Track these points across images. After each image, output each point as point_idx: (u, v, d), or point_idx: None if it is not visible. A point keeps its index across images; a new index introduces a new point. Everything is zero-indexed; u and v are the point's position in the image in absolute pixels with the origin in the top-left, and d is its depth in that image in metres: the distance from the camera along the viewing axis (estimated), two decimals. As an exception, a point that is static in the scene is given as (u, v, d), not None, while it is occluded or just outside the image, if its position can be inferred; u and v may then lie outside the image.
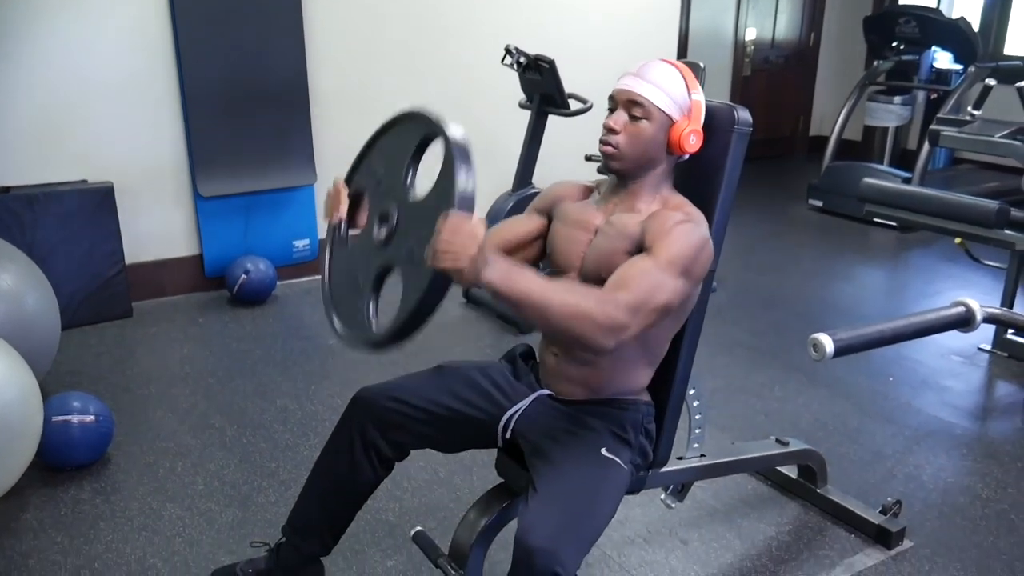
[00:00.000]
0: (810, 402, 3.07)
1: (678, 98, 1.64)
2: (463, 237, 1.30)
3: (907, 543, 2.26)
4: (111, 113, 3.60)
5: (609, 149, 1.65)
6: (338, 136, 4.13)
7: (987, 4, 6.56)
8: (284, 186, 3.97)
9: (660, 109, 1.62)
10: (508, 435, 1.73)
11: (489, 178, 4.53)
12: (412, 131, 1.50)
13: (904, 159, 6.61)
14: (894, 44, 5.51)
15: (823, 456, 2.38)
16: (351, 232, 1.63)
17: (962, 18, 5.17)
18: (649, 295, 1.49)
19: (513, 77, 3.72)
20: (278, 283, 3.94)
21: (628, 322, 1.46)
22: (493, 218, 3.65)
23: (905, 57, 5.70)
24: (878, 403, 3.07)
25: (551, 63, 3.45)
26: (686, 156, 1.69)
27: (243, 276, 3.75)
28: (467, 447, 1.86)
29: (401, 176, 1.49)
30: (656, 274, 1.52)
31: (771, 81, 7.28)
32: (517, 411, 1.74)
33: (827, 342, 1.05)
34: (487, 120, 4.55)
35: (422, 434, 1.79)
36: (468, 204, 1.32)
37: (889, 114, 6.48)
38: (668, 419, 1.83)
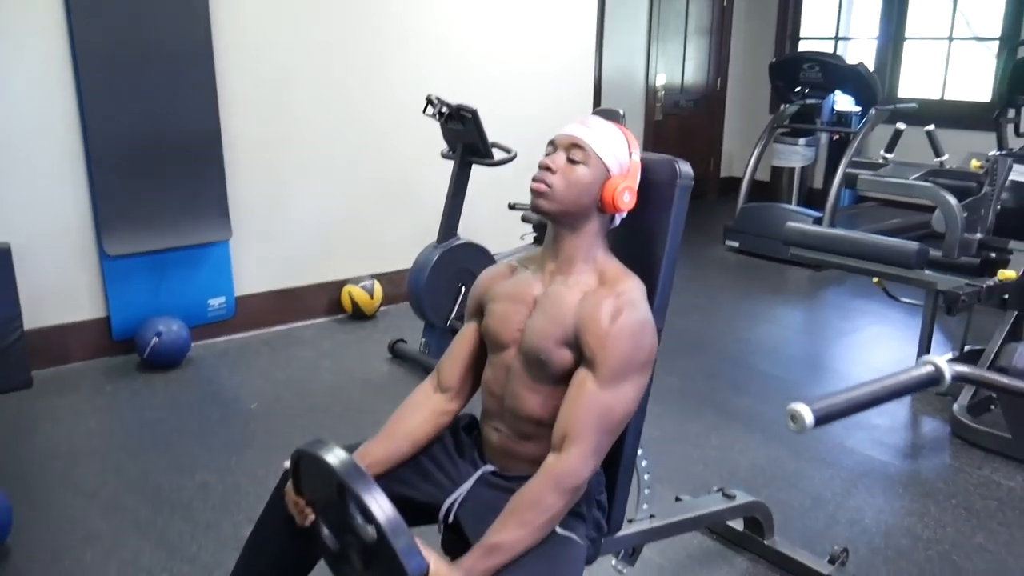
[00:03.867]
0: (747, 448, 3.06)
1: (619, 153, 1.60)
2: None
3: (856, 593, 2.24)
4: (6, 168, 3.37)
5: (541, 187, 1.58)
6: (254, 188, 3.99)
7: (880, 49, 6.90)
8: (197, 242, 3.79)
9: (600, 158, 1.57)
10: (451, 520, 1.63)
11: (413, 229, 4.50)
12: (324, 475, 1.34)
13: (811, 198, 6.84)
14: (798, 88, 5.70)
15: (768, 507, 2.35)
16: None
17: (861, 63, 5.40)
18: (603, 428, 1.50)
19: (433, 125, 3.66)
20: (192, 344, 3.74)
21: (589, 471, 1.51)
22: (419, 271, 3.56)
23: (809, 101, 5.91)
24: (812, 446, 3.08)
25: (473, 113, 3.41)
26: (617, 219, 1.65)
27: (154, 338, 3.53)
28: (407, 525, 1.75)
29: (347, 518, 1.32)
30: (603, 398, 1.49)
31: (682, 124, 7.45)
32: (459, 496, 1.64)
33: (806, 413, 1.00)
34: (408, 170, 4.49)
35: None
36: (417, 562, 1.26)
37: (795, 155, 6.71)
38: (620, 486, 1.76)
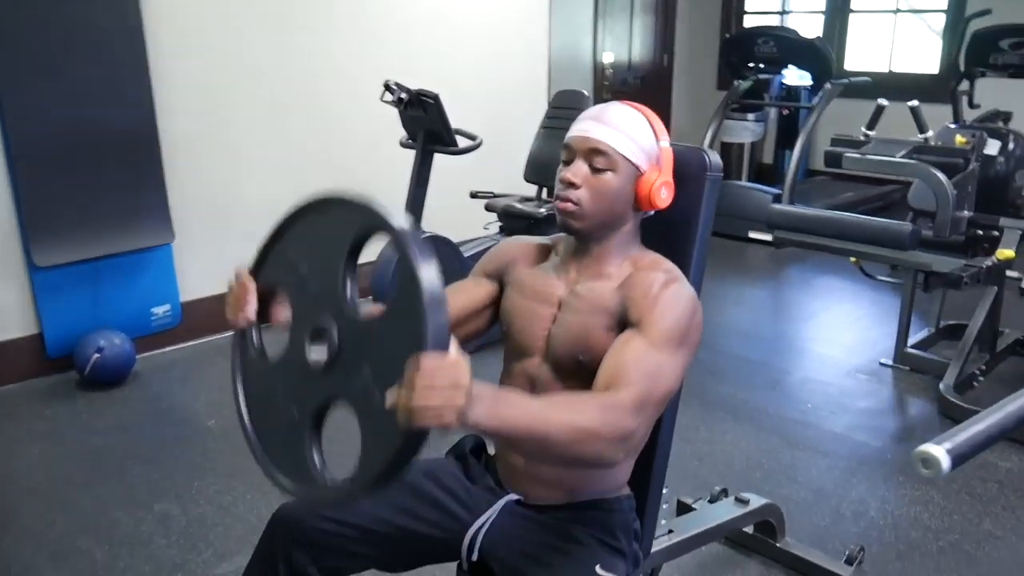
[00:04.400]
0: (738, 440, 2.94)
1: (646, 146, 1.40)
2: (445, 387, 0.97)
3: (877, 593, 2.14)
4: (-83, 176, 3.03)
5: (569, 206, 1.40)
6: (197, 187, 3.70)
7: (827, 24, 6.87)
8: (137, 247, 3.49)
9: (627, 159, 1.38)
10: (475, 556, 1.45)
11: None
12: (341, 223, 1.16)
13: (760, 173, 6.81)
14: (752, 64, 5.61)
15: (780, 508, 2.23)
16: (263, 336, 1.30)
17: (818, 37, 5.33)
18: (652, 385, 1.25)
19: (389, 113, 3.44)
20: (137, 358, 3.45)
21: (635, 426, 1.21)
22: (383, 268, 3.34)
23: (762, 76, 5.82)
24: (804, 434, 2.98)
25: (435, 98, 3.20)
26: (652, 212, 1.47)
27: (95, 354, 3.24)
28: (422, 564, 1.56)
29: (336, 283, 1.13)
30: (653, 357, 1.27)
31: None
32: (483, 525, 1.45)
33: (941, 457, 0.84)
34: (363, 160, 4.25)
35: (364, 555, 1.48)
36: (443, 339, 0.98)
37: (745, 131, 6.63)
38: (650, 510, 1.60)
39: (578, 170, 1.39)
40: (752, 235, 5.36)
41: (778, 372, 3.53)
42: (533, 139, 4.01)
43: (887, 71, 6.54)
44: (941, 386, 3.14)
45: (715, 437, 2.96)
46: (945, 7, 6.20)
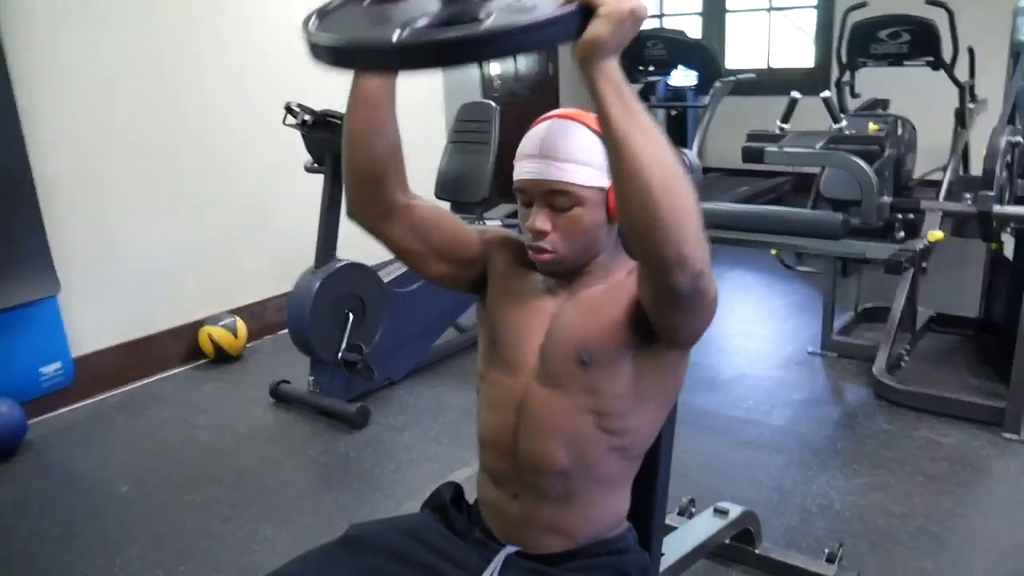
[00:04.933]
0: (686, 445, 2.83)
1: (603, 160, 1.22)
2: None
3: (863, 589, 2.10)
4: None
5: (546, 256, 1.27)
6: (83, 232, 3.37)
7: (705, 24, 7.03)
8: (17, 303, 3.14)
9: (589, 187, 1.24)
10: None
11: (273, 255, 4.02)
12: None
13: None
14: (642, 67, 5.65)
15: (756, 514, 2.17)
16: None
17: (703, 39, 5.43)
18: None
19: (287, 136, 3.23)
20: (29, 424, 3.09)
21: (707, 267, 1.05)
22: (299, 302, 3.12)
23: (651, 78, 5.89)
24: (752, 432, 2.95)
25: (342, 118, 3.00)
26: None
27: (-20, 425, 2.89)
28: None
29: None
30: None
31: (521, 113, 7.16)
32: (486, 586, 1.30)
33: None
34: (260, 188, 4.01)
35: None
36: None
37: (635, 134, 6.69)
38: (654, 542, 1.48)
39: (542, 216, 1.26)
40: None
41: (712, 371, 3.51)
42: (441, 155, 3.87)
43: (766, 67, 6.73)
44: (874, 369, 3.19)
45: (666, 444, 2.89)
46: (816, 3, 6.44)
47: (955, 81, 4.67)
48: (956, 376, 3.31)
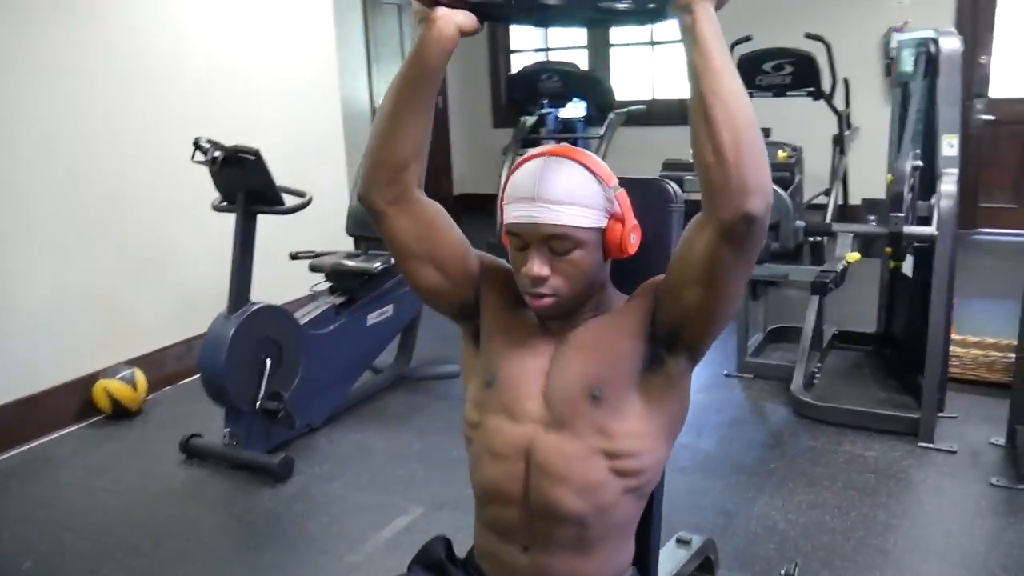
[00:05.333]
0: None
1: (600, 202, 1.22)
2: None
3: (822, 609, 2.13)
4: None
5: (547, 302, 1.23)
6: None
7: (591, 58, 7.20)
8: None
9: (588, 228, 1.21)
10: None
11: (174, 299, 3.78)
12: None
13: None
14: (536, 99, 5.72)
15: (715, 541, 2.17)
16: None
17: (596, 71, 5.55)
18: None
19: (190, 174, 3.06)
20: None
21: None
22: (213, 349, 2.93)
23: (545, 111, 5.97)
24: (685, 456, 2.97)
25: (256, 153, 2.88)
26: None
27: None
28: None
29: None
30: None
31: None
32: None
33: None
34: (159, 230, 3.79)
35: None
36: None
37: (527, 166, 6.75)
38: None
39: (540, 260, 1.21)
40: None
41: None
42: (350, 190, 3.77)
43: (651, 99, 6.94)
44: (792, 388, 3.29)
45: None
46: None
47: (834, 109, 4.95)
48: (865, 390, 3.46)
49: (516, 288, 1.30)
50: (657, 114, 6.23)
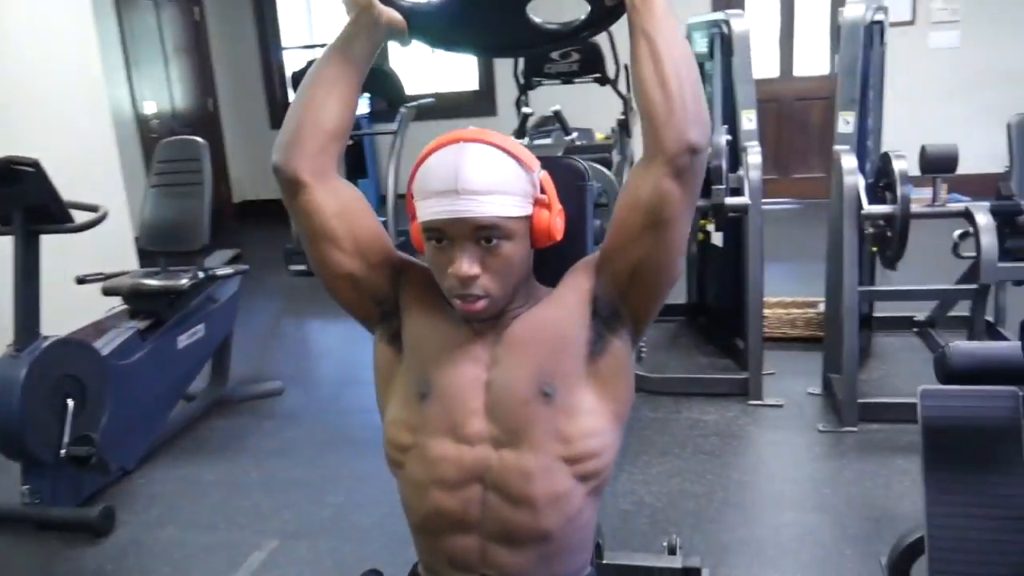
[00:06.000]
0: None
1: (524, 187, 1.14)
2: None
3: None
4: None
5: (480, 305, 1.13)
6: None
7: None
8: None
9: (516, 218, 1.13)
10: None
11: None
12: None
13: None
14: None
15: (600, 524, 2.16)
16: None
17: (387, 65, 5.40)
18: None
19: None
20: None
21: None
22: (1, 398, 2.51)
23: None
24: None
25: (36, 164, 2.49)
26: None
27: None
28: None
29: None
30: None
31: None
32: None
33: None
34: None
35: None
36: None
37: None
38: None
39: (469, 257, 1.11)
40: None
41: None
42: (143, 202, 3.38)
43: (436, 92, 6.88)
44: (627, 364, 3.37)
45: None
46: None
47: (619, 94, 5.15)
48: (689, 358, 3.63)
49: (438, 289, 1.19)
50: (443, 104, 6.17)
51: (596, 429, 1.17)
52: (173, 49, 6.58)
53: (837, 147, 2.89)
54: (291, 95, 7.17)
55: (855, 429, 2.83)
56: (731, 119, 3.16)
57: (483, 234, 1.10)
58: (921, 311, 3.62)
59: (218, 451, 3.12)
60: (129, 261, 4.17)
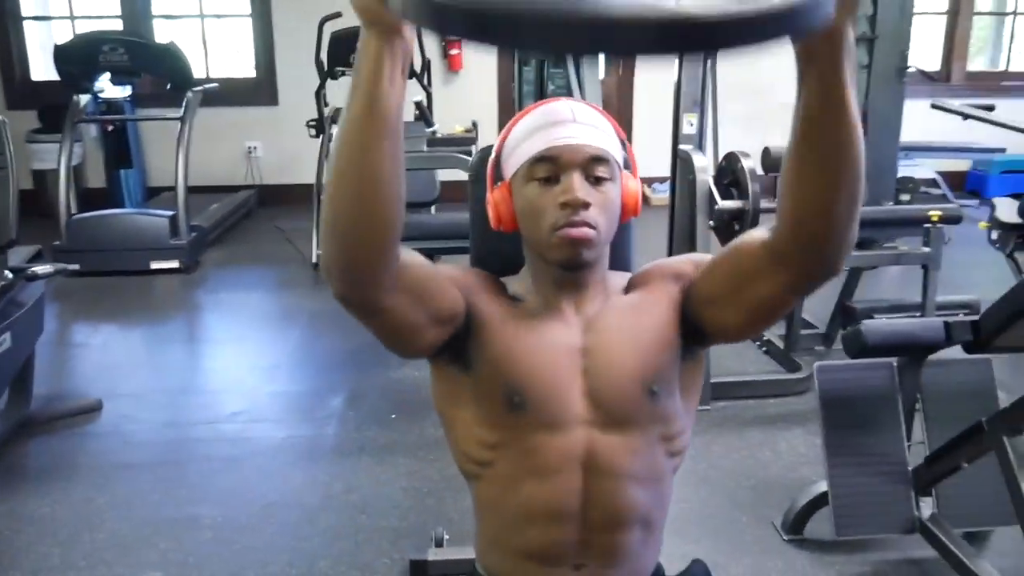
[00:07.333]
0: (394, 480, 2.70)
1: (621, 149, 1.18)
2: None
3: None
4: None
5: (588, 233, 1.08)
6: None
7: (128, 31, 6.33)
8: None
9: (619, 165, 1.15)
10: None
11: None
12: None
13: (90, 199, 5.97)
14: (95, 75, 4.89)
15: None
16: None
17: (172, 43, 4.93)
18: None
19: None
20: None
21: None
22: None
23: (98, 90, 5.14)
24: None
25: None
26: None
27: None
28: None
29: None
30: None
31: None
32: None
33: None
34: None
35: None
36: None
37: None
38: None
39: (582, 185, 1.09)
40: (155, 265, 4.79)
41: (332, 398, 3.30)
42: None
43: (205, 77, 6.38)
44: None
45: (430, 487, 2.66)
46: (250, 12, 6.34)
47: (424, 88, 5.14)
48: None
49: (500, 287, 1.18)
50: (220, 94, 5.70)
51: (683, 409, 1.19)
52: None
53: (683, 147, 3.11)
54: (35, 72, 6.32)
55: (708, 408, 3.07)
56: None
57: (593, 168, 1.09)
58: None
59: (39, 479, 2.69)
60: None
